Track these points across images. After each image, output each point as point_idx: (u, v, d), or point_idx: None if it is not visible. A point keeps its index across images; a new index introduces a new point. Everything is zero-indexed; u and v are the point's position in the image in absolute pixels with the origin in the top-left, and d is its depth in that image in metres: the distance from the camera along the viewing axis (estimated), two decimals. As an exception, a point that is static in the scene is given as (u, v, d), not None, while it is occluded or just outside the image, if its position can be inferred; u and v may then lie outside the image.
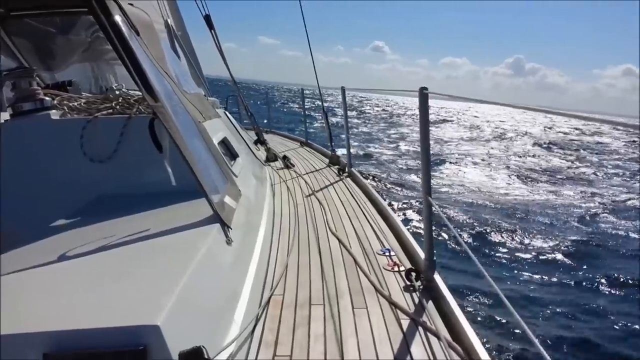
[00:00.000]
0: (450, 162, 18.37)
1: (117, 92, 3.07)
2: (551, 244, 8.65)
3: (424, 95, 2.47)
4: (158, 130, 2.50)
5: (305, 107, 10.25)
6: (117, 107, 2.90)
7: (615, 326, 5.94)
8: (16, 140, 2.60)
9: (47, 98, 2.81)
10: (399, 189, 12.60)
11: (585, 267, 7.72)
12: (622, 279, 7.20)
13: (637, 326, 5.93)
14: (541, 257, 8.05)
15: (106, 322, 1.28)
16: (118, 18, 2.21)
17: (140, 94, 2.79)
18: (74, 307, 1.40)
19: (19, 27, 3.87)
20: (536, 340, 1.57)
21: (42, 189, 2.57)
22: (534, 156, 21.87)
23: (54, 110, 2.77)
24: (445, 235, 8.47)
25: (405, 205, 10.41)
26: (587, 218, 10.61)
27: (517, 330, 5.52)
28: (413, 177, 13.97)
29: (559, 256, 8.12)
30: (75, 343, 1.24)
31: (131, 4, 2.74)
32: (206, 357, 1.36)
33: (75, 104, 2.93)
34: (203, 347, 1.37)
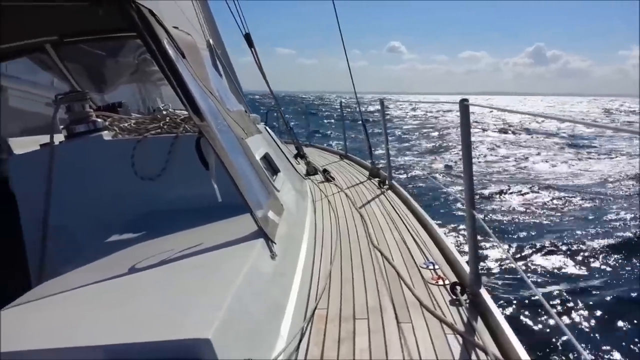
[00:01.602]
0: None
1: (164, 112, 3.18)
2: (605, 253, 8.31)
3: (464, 107, 2.46)
4: (204, 148, 2.58)
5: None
6: (165, 126, 3.01)
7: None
8: (71, 161, 2.73)
9: (99, 120, 2.94)
10: (441, 200, 12.44)
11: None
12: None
13: None
14: (594, 267, 7.74)
15: (158, 336, 1.32)
16: (165, 42, 2.31)
17: (186, 113, 2.89)
18: (127, 321, 1.45)
19: (71, 52, 4.08)
20: (588, 356, 1.53)
21: (95, 207, 2.69)
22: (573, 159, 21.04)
23: (106, 132, 2.90)
24: (487, 246, 8.29)
25: (448, 218, 10.27)
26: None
27: (567, 346, 5.33)
28: (457, 187, 13.79)
29: (617, 267, 7.78)
30: (128, 356, 1.28)
31: (176, 27, 2.85)
32: None
33: (126, 124, 3.06)
34: None
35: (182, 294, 1.66)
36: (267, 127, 6.44)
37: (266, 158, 3.88)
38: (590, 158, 20.99)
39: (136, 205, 2.72)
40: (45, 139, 2.81)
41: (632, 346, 5.39)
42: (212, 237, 2.19)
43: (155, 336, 1.32)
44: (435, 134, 32.70)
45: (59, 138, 2.90)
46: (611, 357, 5.14)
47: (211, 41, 6.31)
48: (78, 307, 1.62)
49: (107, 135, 2.87)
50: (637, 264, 7.82)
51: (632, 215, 10.69)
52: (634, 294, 6.74)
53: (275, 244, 2.31)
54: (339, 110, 8.42)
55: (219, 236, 2.20)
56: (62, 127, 2.95)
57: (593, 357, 5.18)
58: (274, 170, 3.92)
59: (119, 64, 4.62)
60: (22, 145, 2.99)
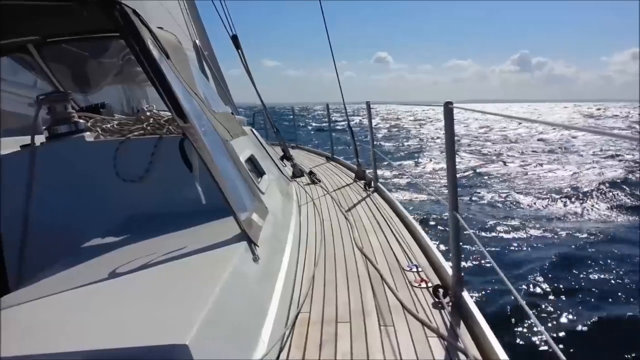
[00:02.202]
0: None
1: (148, 113, 3.16)
2: (589, 252, 8.41)
3: (448, 110, 2.47)
4: (188, 150, 2.56)
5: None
6: (148, 127, 2.99)
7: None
8: (52, 162, 2.70)
9: (81, 121, 2.91)
10: (425, 203, 12.52)
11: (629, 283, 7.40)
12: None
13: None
14: (577, 270, 7.84)
15: (136, 341, 1.31)
16: (149, 42, 2.29)
17: (170, 114, 2.87)
18: (104, 327, 1.44)
19: (54, 52, 4.04)
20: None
21: (76, 209, 2.66)
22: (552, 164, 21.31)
23: (88, 133, 2.87)
24: (470, 249, 8.35)
25: (433, 222, 10.33)
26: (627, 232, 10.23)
27: (546, 350, 5.38)
28: (443, 190, 13.89)
29: (602, 268, 7.87)
30: None
31: (161, 28, 2.83)
32: None
33: (108, 125, 3.03)
34: None
35: (162, 298, 1.65)
36: (254, 129, 6.43)
37: (251, 160, 3.87)
38: (564, 161, 21.34)
39: (118, 208, 2.70)
40: (27, 140, 2.77)
41: (613, 350, 5.47)
42: (194, 241, 2.18)
43: (133, 341, 1.31)
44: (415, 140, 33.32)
45: (40, 139, 2.86)
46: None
47: (198, 42, 6.29)
48: (56, 312, 1.60)
49: (89, 136, 2.84)
50: (623, 266, 7.93)
51: (614, 212, 10.85)
52: (618, 299, 6.84)
53: (258, 247, 2.31)
54: (326, 119, 8.46)
55: (202, 239, 2.19)
56: (43, 128, 2.92)
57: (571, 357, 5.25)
58: (259, 173, 3.91)
59: (102, 64, 4.57)
60: (3, 146, 2.95)
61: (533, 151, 25.83)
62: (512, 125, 46.23)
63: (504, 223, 10.67)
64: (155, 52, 2.31)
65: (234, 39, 6.32)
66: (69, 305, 1.65)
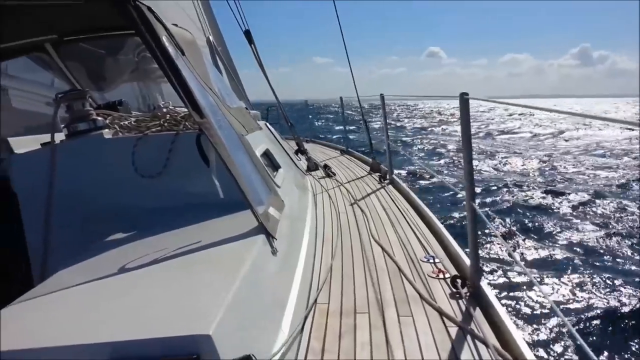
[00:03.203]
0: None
1: (165, 110, 3.18)
2: (605, 245, 8.31)
3: (464, 101, 2.46)
4: (205, 145, 2.59)
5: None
6: (165, 124, 3.01)
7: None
8: (72, 159, 2.74)
9: (99, 118, 2.94)
10: (443, 194, 12.45)
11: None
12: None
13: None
14: (593, 261, 7.75)
15: (160, 333, 1.33)
16: (164, 39, 2.32)
17: (186, 110, 2.90)
18: (129, 318, 1.46)
19: (71, 51, 4.09)
20: (588, 348, 1.54)
21: (97, 205, 2.70)
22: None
23: (106, 130, 2.91)
24: (488, 240, 8.31)
25: (449, 213, 10.29)
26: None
27: (568, 340, 5.34)
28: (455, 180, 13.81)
29: (617, 260, 7.78)
30: (129, 353, 1.29)
31: (175, 25, 2.85)
32: None
33: (126, 122, 3.06)
34: (253, 355, 1.41)
35: (183, 290, 1.67)
36: (268, 124, 6.45)
37: (267, 154, 3.89)
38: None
39: (138, 203, 2.74)
40: (46, 138, 2.81)
41: (633, 343, 5.41)
42: (213, 234, 2.20)
43: (156, 333, 1.33)
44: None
45: (59, 137, 2.91)
46: (615, 355, 5.16)
47: (211, 38, 6.32)
48: (79, 305, 1.63)
49: (107, 133, 2.87)
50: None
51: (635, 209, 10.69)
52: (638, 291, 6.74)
53: (276, 239, 2.32)
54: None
55: (220, 233, 2.21)
56: (62, 126, 2.96)
57: (594, 351, 5.20)
58: (275, 167, 3.93)
59: (119, 62, 4.63)
60: (23, 144, 3.00)
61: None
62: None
63: (525, 215, 10.58)
64: (170, 49, 2.33)
65: (247, 34, 6.35)
66: (91, 297, 1.68)
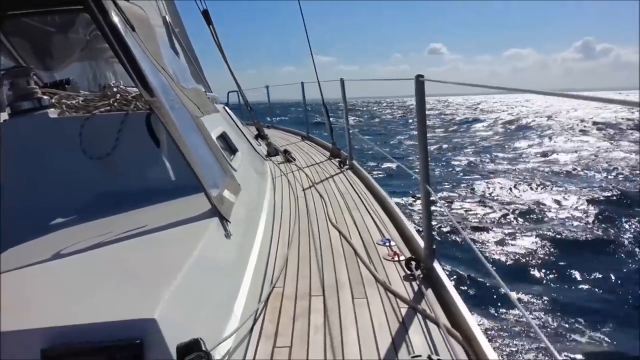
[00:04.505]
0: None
1: (115, 89, 3.07)
2: (558, 231, 8.61)
3: (419, 83, 2.47)
4: (155, 125, 2.51)
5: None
6: (115, 104, 2.91)
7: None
8: (15, 139, 2.61)
9: (45, 97, 2.81)
10: (401, 180, 12.64)
11: (594, 261, 7.53)
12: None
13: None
14: (544, 245, 8.02)
15: (103, 317, 1.29)
16: (114, 14, 2.22)
17: (137, 90, 2.80)
18: (72, 303, 1.41)
19: (17, 27, 3.88)
20: (538, 329, 1.58)
21: (41, 187, 2.59)
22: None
23: (52, 109, 2.78)
24: (446, 224, 8.48)
25: (409, 198, 10.46)
26: (600, 212, 10.35)
27: (517, 318, 5.54)
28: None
29: (564, 245, 8.07)
30: (72, 338, 1.25)
31: (127, 0, 2.74)
32: (204, 349, 1.36)
33: (73, 102, 2.94)
34: (201, 339, 1.37)
35: (130, 273, 1.62)
36: (227, 108, 6.34)
37: (223, 137, 3.82)
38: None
39: (85, 186, 2.64)
40: None
41: (578, 319, 5.64)
42: (164, 217, 2.15)
43: (100, 317, 1.29)
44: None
45: (3, 116, 2.77)
46: (562, 333, 5.38)
47: (168, 18, 6.13)
48: (20, 289, 1.56)
49: (53, 112, 2.75)
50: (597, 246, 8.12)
51: (593, 195, 11.10)
52: (586, 273, 7.03)
53: (230, 223, 2.29)
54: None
55: (171, 215, 2.16)
56: (6, 105, 2.82)
57: (541, 326, 5.41)
58: (232, 150, 3.86)
59: (69, 39, 4.42)
60: None
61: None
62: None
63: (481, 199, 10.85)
64: (120, 25, 2.23)
65: (205, 14, 6.19)
66: (34, 282, 1.61)
